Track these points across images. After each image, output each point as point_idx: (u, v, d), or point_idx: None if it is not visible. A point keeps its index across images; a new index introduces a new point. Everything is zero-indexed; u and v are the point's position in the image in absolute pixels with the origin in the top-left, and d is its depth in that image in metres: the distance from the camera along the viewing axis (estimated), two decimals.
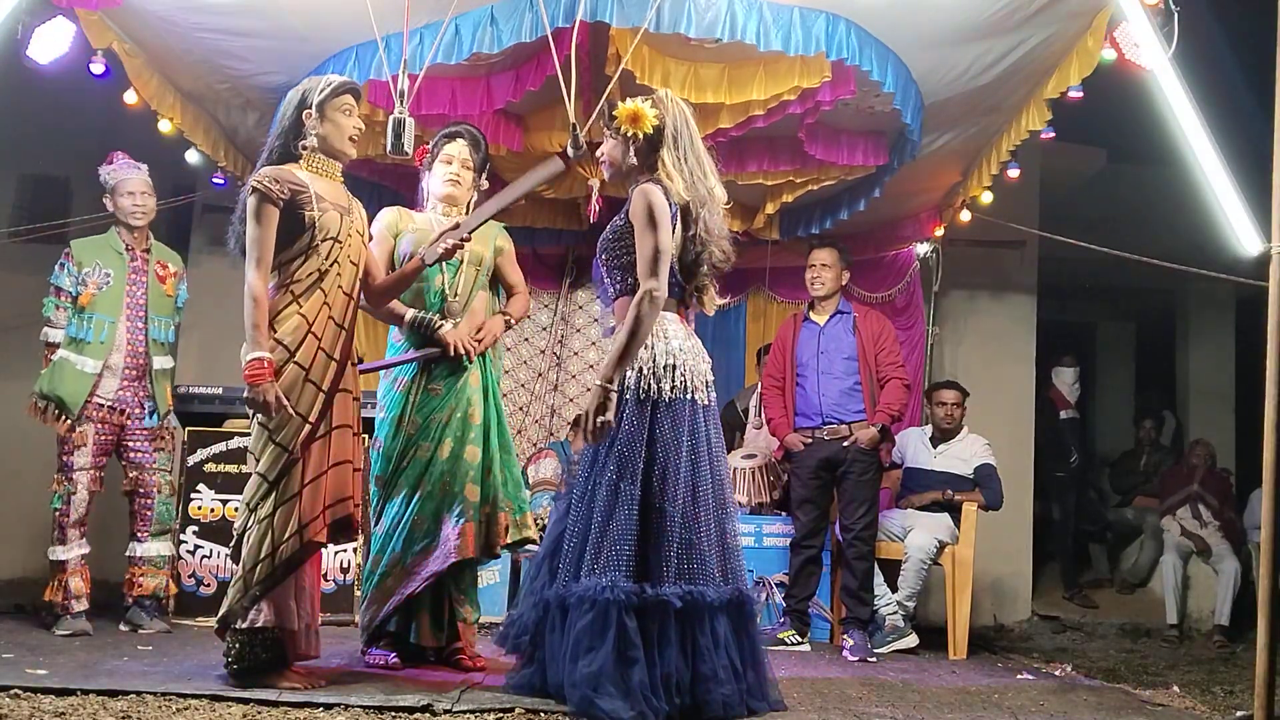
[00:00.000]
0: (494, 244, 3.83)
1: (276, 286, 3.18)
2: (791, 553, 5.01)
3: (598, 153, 3.33)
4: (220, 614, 3.11)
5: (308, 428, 3.10)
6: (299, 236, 3.17)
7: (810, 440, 4.94)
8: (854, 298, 6.44)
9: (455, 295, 3.68)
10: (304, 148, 3.23)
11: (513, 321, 3.86)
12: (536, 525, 3.89)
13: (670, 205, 3.11)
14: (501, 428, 3.78)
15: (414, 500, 3.57)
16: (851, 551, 4.86)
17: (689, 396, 3.10)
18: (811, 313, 5.11)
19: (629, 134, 3.15)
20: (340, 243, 3.22)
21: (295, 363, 3.11)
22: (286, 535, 3.06)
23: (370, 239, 3.51)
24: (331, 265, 3.20)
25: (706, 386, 3.18)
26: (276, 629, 3.08)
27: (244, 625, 3.05)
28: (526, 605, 3.19)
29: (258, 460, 3.11)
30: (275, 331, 3.11)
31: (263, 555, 3.05)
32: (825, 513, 4.99)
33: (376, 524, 3.65)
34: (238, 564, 3.13)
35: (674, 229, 3.12)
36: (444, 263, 3.61)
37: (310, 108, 3.22)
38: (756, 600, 5.00)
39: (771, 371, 5.21)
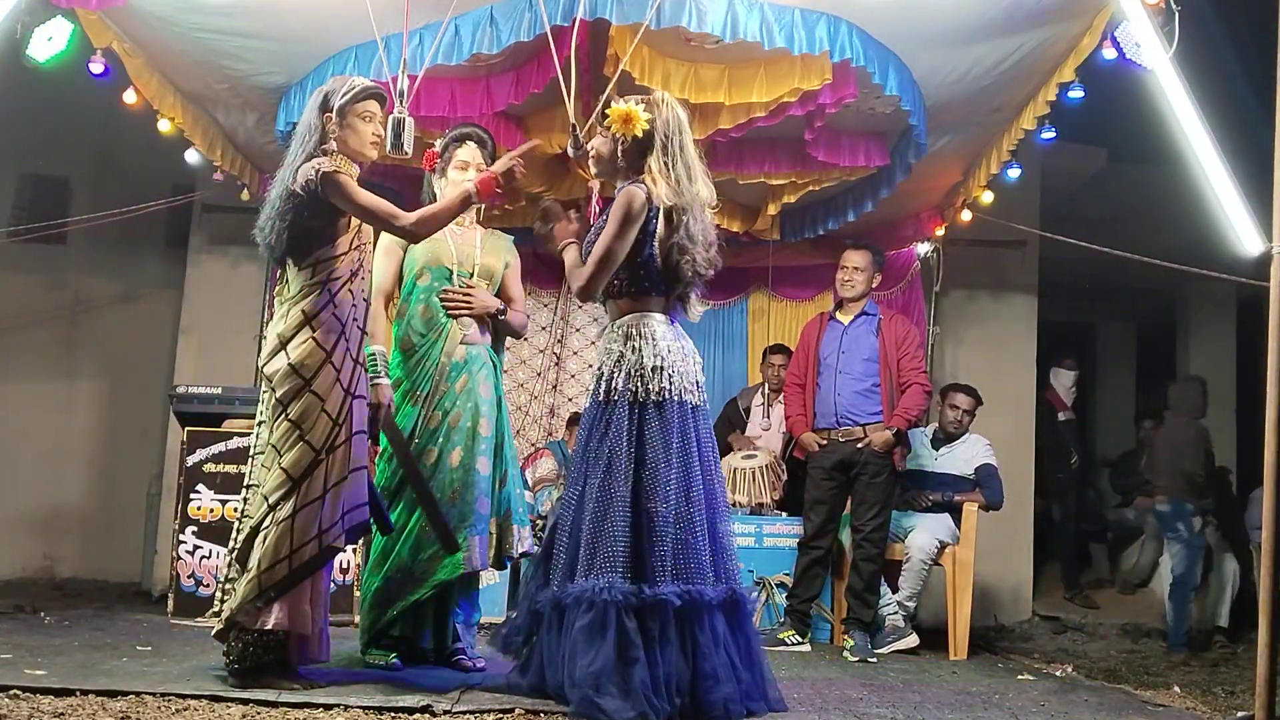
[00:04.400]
0: (504, 258, 3.83)
1: (315, 282, 3.15)
2: (799, 553, 5.01)
3: (587, 145, 3.32)
4: (226, 614, 3.06)
5: (335, 429, 3.10)
6: (341, 236, 3.18)
7: (825, 441, 4.95)
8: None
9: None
10: (324, 151, 3.18)
11: (509, 324, 3.84)
12: (537, 528, 3.90)
13: (650, 207, 3.11)
14: (511, 439, 3.78)
15: (419, 508, 3.56)
16: (860, 553, 4.85)
17: (677, 398, 3.10)
18: (838, 312, 5.10)
19: (618, 134, 3.15)
20: (365, 247, 3.27)
21: (330, 363, 3.10)
22: (306, 539, 3.03)
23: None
24: (359, 269, 3.23)
25: (696, 387, 3.18)
26: (285, 632, 3.06)
27: (254, 626, 3.02)
28: (522, 609, 3.21)
29: (281, 455, 3.07)
30: (314, 331, 3.11)
31: (280, 557, 3.01)
32: (835, 515, 4.98)
33: (385, 536, 3.63)
34: (243, 564, 3.08)
35: (654, 232, 3.13)
36: (454, 275, 3.65)
37: (331, 111, 3.18)
38: (755, 601, 5.08)
39: (794, 370, 5.23)
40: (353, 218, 3.20)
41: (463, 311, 3.65)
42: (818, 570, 4.95)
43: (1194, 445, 6.30)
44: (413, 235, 3.24)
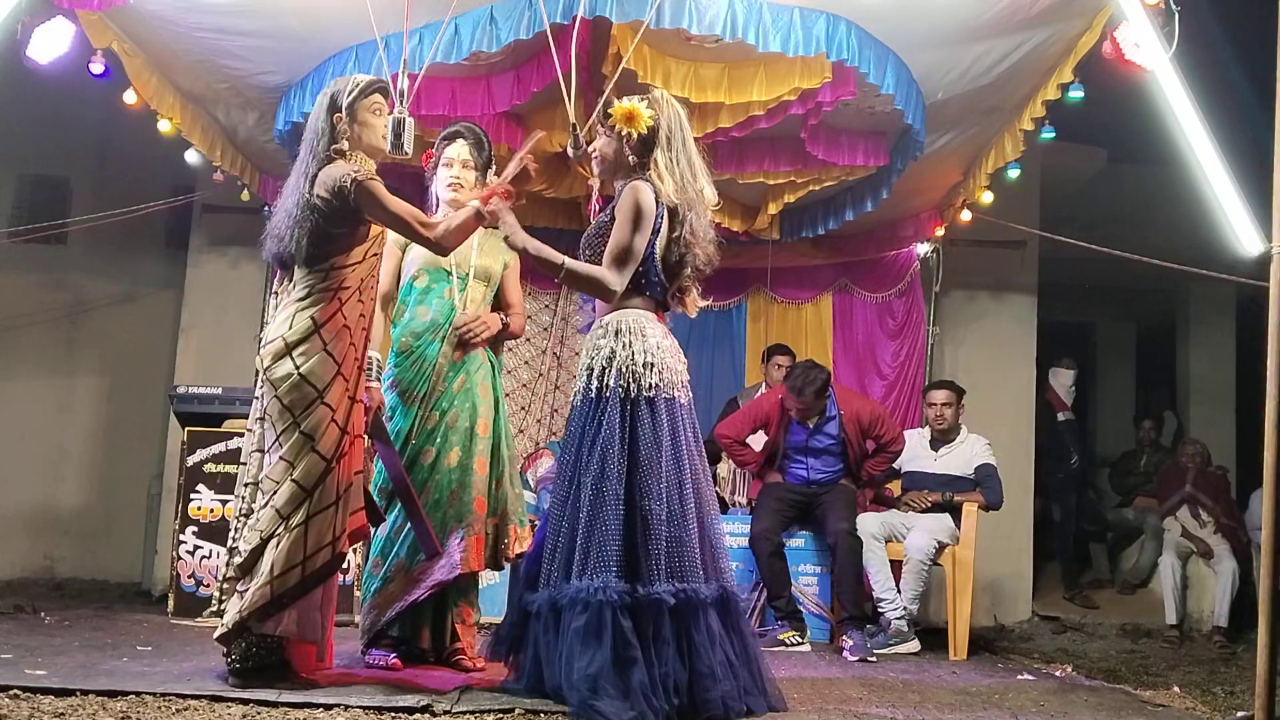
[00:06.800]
0: (503, 258, 3.83)
1: (325, 288, 3.13)
2: (754, 549, 5.03)
3: (590, 148, 3.31)
4: (235, 621, 3.04)
5: (343, 437, 3.09)
6: (358, 245, 3.16)
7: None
8: (856, 298, 6.48)
9: (464, 309, 3.67)
10: (337, 151, 3.16)
11: (509, 331, 3.84)
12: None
13: (658, 206, 3.12)
14: (509, 440, 3.78)
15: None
16: (840, 549, 4.94)
17: (669, 395, 3.10)
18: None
19: (623, 132, 3.15)
20: (378, 256, 3.25)
21: (341, 375, 3.10)
22: (320, 546, 3.02)
23: None
24: (369, 278, 3.22)
25: (684, 385, 3.18)
26: (296, 638, 3.05)
27: (264, 631, 3.01)
28: (509, 613, 3.23)
29: (294, 468, 3.04)
30: (325, 342, 3.09)
31: (293, 563, 3.00)
32: (785, 515, 5.12)
33: (376, 529, 3.63)
34: (250, 570, 3.06)
35: (659, 230, 3.13)
36: (454, 275, 3.64)
37: (340, 110, 3.17)
38: (753, 601, 5.08)
39: (730, 433, 5.29)
40: (372, 227, 3.18)
41: (481, 341, 3.66)
42: (777, 564, 5.00)
43: None
44: (440, 249, 3.21)
